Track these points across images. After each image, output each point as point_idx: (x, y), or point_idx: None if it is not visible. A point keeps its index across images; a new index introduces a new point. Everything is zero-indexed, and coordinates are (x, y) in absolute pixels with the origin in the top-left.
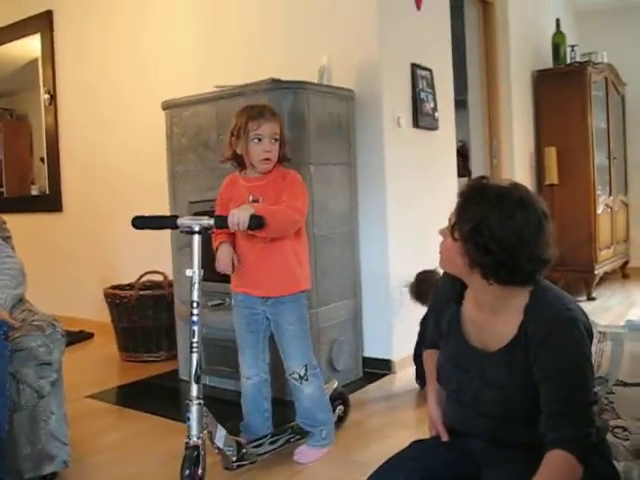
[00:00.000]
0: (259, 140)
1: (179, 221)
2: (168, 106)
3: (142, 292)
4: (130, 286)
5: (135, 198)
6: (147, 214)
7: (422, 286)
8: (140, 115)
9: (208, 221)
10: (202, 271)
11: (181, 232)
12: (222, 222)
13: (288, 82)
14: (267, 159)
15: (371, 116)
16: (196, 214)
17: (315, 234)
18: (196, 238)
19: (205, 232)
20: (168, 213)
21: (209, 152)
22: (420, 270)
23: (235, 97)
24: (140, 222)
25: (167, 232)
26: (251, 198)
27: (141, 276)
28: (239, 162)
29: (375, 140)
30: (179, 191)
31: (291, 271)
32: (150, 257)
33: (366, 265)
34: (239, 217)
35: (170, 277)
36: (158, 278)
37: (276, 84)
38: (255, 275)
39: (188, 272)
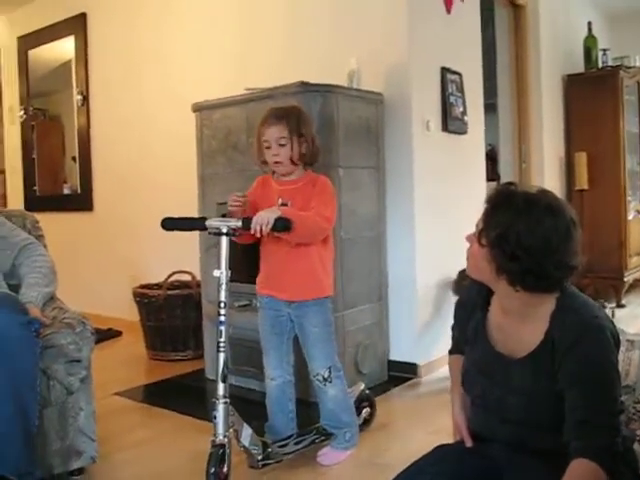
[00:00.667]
0: (267, 147)
1: (208, 222)
2: (198, 108)
3: (170, 292)
4: (158, 286)
5: (163, 199)
6: (176, 216)
7: (464, 282)
8: (169, 117)
9: (236, 223)
10: (229, 272)
11: (209, 234)
12: (249, 224)
13: (317, 85)
14: (277, 162)
15: (400, 120)
16: (224, 216)
17: (342, 237)
18: (224, 239)
19: (233, 234)
20: (196, 215)
21: (238, 154)
22: (463, 268)
23: (265, 100)
24: (170, 223)
25: (195, 233)
26: (280, 201)
27: (169, 276)
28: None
29: (404, 144)
30: (208, 193)
31: (316, 277)
32: (178, 257)
33: (393, 269)
34: (264, 218)
35: (198, 277)
36: (186, 278)
37: (305, 87)
38: (280, 278)
39: (216, 273)
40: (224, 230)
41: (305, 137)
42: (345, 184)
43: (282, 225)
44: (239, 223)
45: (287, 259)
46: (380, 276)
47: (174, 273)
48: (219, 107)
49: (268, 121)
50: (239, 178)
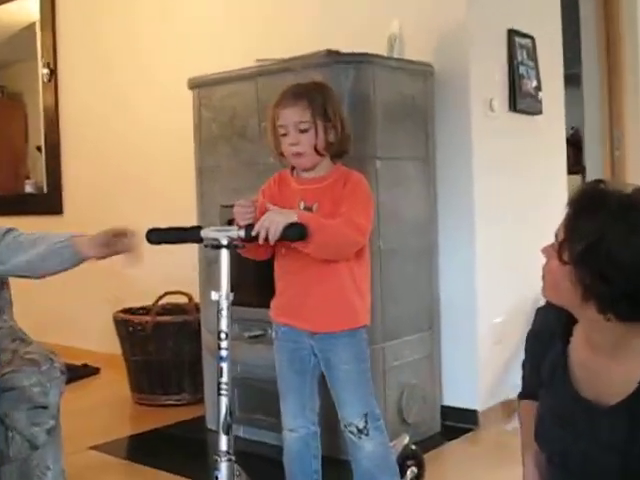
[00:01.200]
0: (284, 134)
1: (203, 233)
2: (196, 84)
3: (161, 318)
4: (146, 310)
5: (152, 201)
6: (167, 224)
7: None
8: (159, 97)
9: (238, 232)
10: (232, 294)
11: (206, 247)
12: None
13: (348, 55)
14: (297, 154)
15: (455, 98)
16: (230, 222)
17: (381, 248)
18: (224, 253)
19: (235, 246)
20: (194, 220)
21: (247, 143)
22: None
23: (280, 74)
24: (156, 236)
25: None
26: (302, 205)
27: (160, 297)
28: None
29: (460, 128)
30: (208, 192)
31: (348, 302)
32: (172, 273)
33: (447, 288)
34: (272, 222)
35: (197, 299)
36: (182, 300)
37: (333, 58)
38: (301, 304)
39: (214, 295)
40: (224, 242)
41: (332, 120)
42: (384, 180)
43: (294, 232)
44: (242, 232)
45: (310, 280)
46: (430, 298)
47: (166, 294)
48: (222, 83)
49: (284, 101)
50: (248, 173)
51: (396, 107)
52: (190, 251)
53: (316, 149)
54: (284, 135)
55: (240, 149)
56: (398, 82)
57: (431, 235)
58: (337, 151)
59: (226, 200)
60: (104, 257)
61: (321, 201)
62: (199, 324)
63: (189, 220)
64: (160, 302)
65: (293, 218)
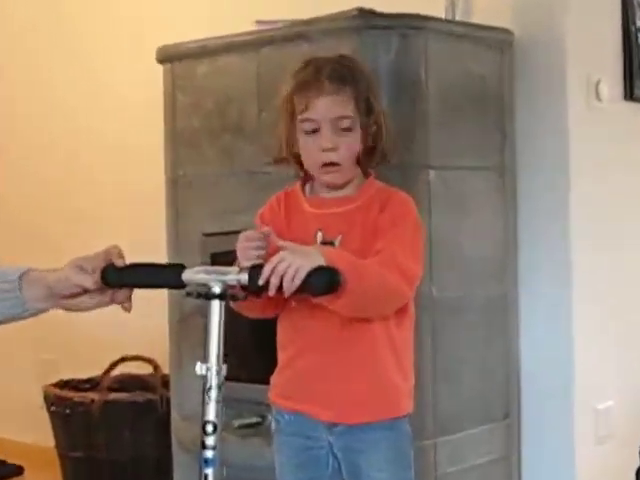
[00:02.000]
0: (313, 131)
1: (186, 275)
2: (169, 56)
3: (114, 395)
4: (92, 383)
5: (109, 221)
6: (127, 261)
7: None
8: (119, 76)
9: (239, 276)
10: (225, 367)
11: (188, 295)
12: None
13: (390, 17)
14: (332, 164)
15: (545, 80)
16: (215, 261)
17: (434, 297)
18: (215, 307)
19: (233, 296)
20: (162, 252)
21: (243, 142)
22: None
23: (292, 43)
24: (115, 276)
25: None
26: (320, 238)
27: (113, 365)
28: (300, 165)
29: (552, 124)
30: (185, 214)
31: (385, 379)
32: (130, 329)
33: (530, 360)
34: (289, 265)
35: (165, 369)
36: (144, 370)
37: (367, 20)
38: (317, 381)
39: (199, 369)
40: (216, 290)
41: (375, 116)
42: (440, 199)
43: (322, 282)
44: (244, 276)
45: (330, 344)
46: (506, 373)
47: (122, 360)
48: (208, 55)
49: (318, 83)
50: (245, 186)
51: (458, 93)
52: (157, 298)
53: (358, 158)
54: (313, 132)
55: (233, 151)
56: (462, 57)
57: (508, 281)
58: (379, 160)
59: (211, 225)
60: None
61: (347, 233)
62: (168, 405)
63: (155, 255)
64: (113, 372)
65: (319, 260)
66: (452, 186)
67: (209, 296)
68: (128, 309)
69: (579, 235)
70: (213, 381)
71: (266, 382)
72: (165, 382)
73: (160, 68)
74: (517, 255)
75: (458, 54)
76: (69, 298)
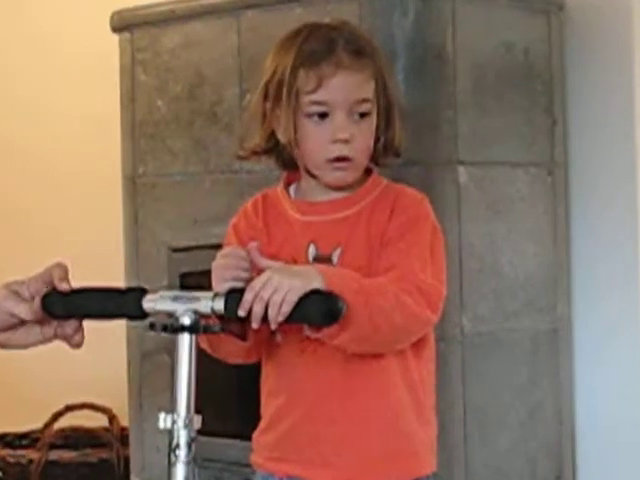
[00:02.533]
0: (322, 116)
1: (147, 302)
2: (126, 24)
3: (58, 453)
4: (30, 438)
5: (51, 230)
6: (73, 285)
7: None
8: (70, 47)
9: (212, 303)
10: (198, 419)
11: (151, 328)
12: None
13: None
14: (344, 159)
15: (605, 52)
16: (185, 284)
17: (465, 330)
18: (185, 342)
19: (206, 329)
20: (118, 272)
21: (219, 132)
22: None
23: (281, 6)
24: (61, 305)
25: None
26: (313, 252)
27: (56, 415)
28: (284, 160)
29: (615, 108)
30: (146, 224)
31: (400, 430)
32: (78, 369)
33: (588, 408)
34: (277, 288)
35: (124, 421)
36: (96, 421)
37: None
38: (316, 439)
39: (163, 421)
40: (185, 320)
41: (390, 100)
42: (473, 203)
43: (322, 310)
44: (219, 303)
45: (330, 389)
46: (558, 426)
47: (67, 410)
48: (175, 21)
49: (334, 57)
50: (223, 189)
51: (495, 70)
52: (114, 330)
53: (375, 149)
54: (321, 117)
55: (207, 143)
56: (499, 24)
57: (559, 308)
58: (387, 153)
59: (179, 238)
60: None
61: (347, 245)
62: (127, 466)
63: (108, 274)
64: (56, 425)
65: (316, 282)
66: (487, 187)
67: (176, 329)
68: (78, 344)
69: None
70: (181, 436)
71: (250, 438)
72: (123, 437)
73: (116, 38)
74: (570, 275)
75: (494, 20)
76: (1, 332)
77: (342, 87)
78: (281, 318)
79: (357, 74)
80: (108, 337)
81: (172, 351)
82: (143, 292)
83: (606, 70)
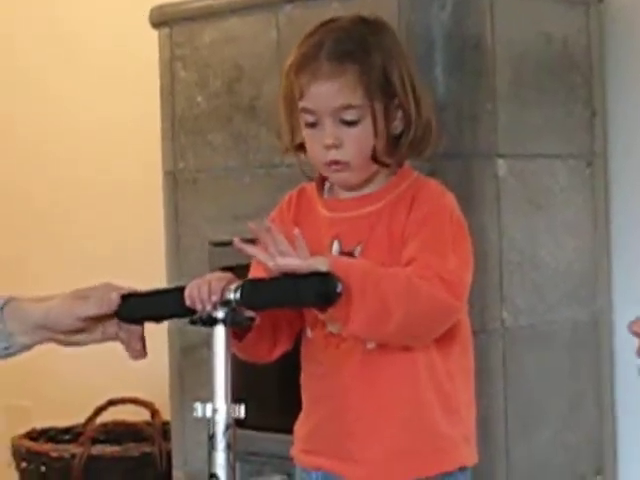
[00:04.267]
0: (312, 124)
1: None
2: (165, 20)
3: (100, 448)
4: (74, 433)
5: (88, 227)
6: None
7: None
8: (108, 42)
9: (234, 294)
10: (240, 408)
11: (192, 324)
12: (255, 293)
13: None
14: (336, 162)
15: None
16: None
17: (506, 323)
18: (220, 333)
19: (235, 322)
20: (160, 265)
21: (259, 127)
22: None
23: (318, 0)
24: (132, 309)
25: None
26: (337, 247)
27: (99, 410)
28: None
29: None
30: (187, 218)
31: (424, 424)
32: (120, 365)
33: (629, 401)
34: (283, 266)
35: (166, 415)
36: (138, 416)
37: None
38: (342, 433)
39: (199, 410)
40: (219, 314)
41: (400, 95)
42: (512, 197)
43: (318, 292)
44: (238, 294)
45: (354, 384)
46: (599, 419)
47: (109, 404)
48: (214, 17)
49: (315, 63)
50: (263, 183)
51: (534, 61)
52: (155, 328)
53: (375, 155)
54: (311, 126)
55: (247, 138)
56: (538, 15)
57: (600, 300)
58: (409, 151)
59: (220, 232)
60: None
61: (368, 241)
62: (169, 460)
63: (149, 271)
64: (99, 419)
65: (320, 265)
66: (527, 179)
67: (211, 321)
68: (138, 354)
69: None
70: (218, 424)
71: (289, 432)
72: (165, 431)
73: (155, 34)
74: (611, 267)
75: (532, 12)
76: (66, 334)
77: (321, 95)
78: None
79: (335, 82)
80: (149, 331)
81: (210, 344)
82: (179, 290)
83: None
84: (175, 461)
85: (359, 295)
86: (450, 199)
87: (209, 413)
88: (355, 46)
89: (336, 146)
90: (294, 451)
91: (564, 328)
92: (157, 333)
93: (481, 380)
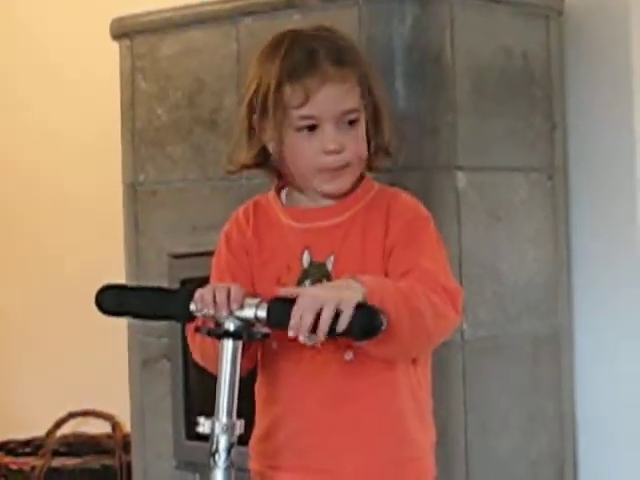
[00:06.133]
0: (311, 128)
1: (193, 304)
2: (126, 31)
3: (60, 461)
4: (33, 445)
5: (52, 237)
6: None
7: None
8: (70, 54)
9: (256, 310)
10: (241, 423)
11: (197, 332)
12: (285, 313)
13: None
14: (342, 167)
15: (604, 56)
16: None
17: (465, 335)
18: (229, 347)
19: (250, 337)
20: (120, 276)
21: (219, 139)
22: None
23: (280, 12)
24: (116, 300)
25: (105, 319)
26: (307, 258)
27: (60, 421)
28: (277, 172)
29: (614, 112)
30: (147, 229)
31: (404, 434)
32: (81, 376)
33: (590, 414)
34: (325, 301)
35: (126, 427)
36: (98, 428)
37: None
38: (317, 444)
39: (203, 425)
40: (230, 327)
41: (377, 103)
42: (473, 210)
43: (364, 328)
44: (262, 312)
45: (331, 394)
46: (560, 432)
47: (69, 417)
48: (174, 29)
49: (318, 68)
50: (223, 195)
51: (493, 74)
52: (115, 336)
53: (369, 158)
54: (310, 130)
55: (206, 150)
56: (497, 29)
57: (560, 312)
58: (379, 155)
59: (180, 244)
60: None
61: (340, 251)
62: (129, 473)
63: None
64: (59, 431)
65: (358, 294)
66: (487, 192)
67: (221, 334)
68: None
69: None
70: (221, 442)
71: (246, 443)
72: (126, 444)
73: (116, 46)
74: (571, 279)
75: (493, 25)
76: None
77: (329, 100)
78: (340, 329)
79: (342, 85)
80: (109, 343)
81: (172, 357)
82: (191, 294)
83: (605, 74)
84: (135, 474)
85: (394, 323)
86: (425, 208)
87: (217, 430)
88: (347, 50)
89: (338, 151)
90: (256, 466)
91: (525, 341)
92: (117, 345)
93: (441, 392)
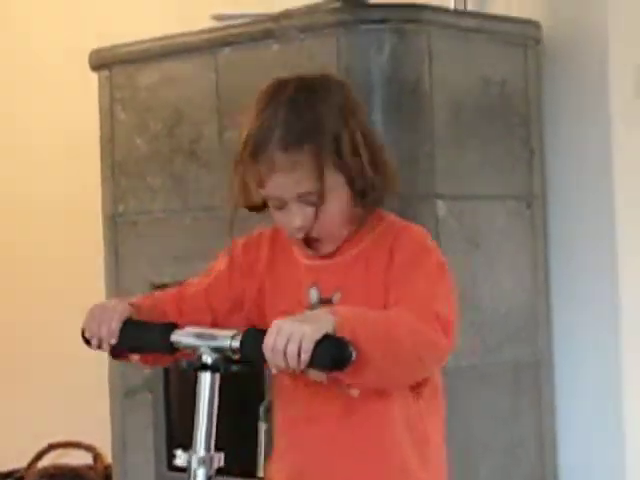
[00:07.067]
0: (278, 207)
1: (174, 336)
2: (105, 62)
3: None
4: (15, 477)
5: (34, 270)
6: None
7: None
8: (48, 86)
9: (231, 342)
10: (220, 457)
11: (187, 368)
12: (257, 345)
13: (382, 7)
14: (311, 239)
15: (582, 84)
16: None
17: (445, 366)
18: (206, 380)
19: (226, 370)
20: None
21: (199, 169)
22: None
23: (258, 43)
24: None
25: (87, 351)
26: (315, 295)
27: (41, 453)
28: None
29: (592, 140)
30: (128, 259)
31: (398, 467)
32: (62, 408)
33: (570, 444)
34: (290, 336)
35: (107, 458)
36: (79, 459)
37: (354, 12)
38: (329, 474)
39: (180, 457)
40: (207, 360)
41: (360, 153)
42: (452, 238)
43: (334, 358)
44: (236, 343)
45: (336, 433)
46: (540, 462)
47: (50, 448)
48: (153, 59)
49: (267, 156)
50: (203, 225)
51: (472, 103)
52: (96, 367)
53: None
54: (278, 209)
55: (187, 181)
56: (475, 57)
57: (540, 341)
58: (373, 199)
59: (162, 274)
60: None
61: (345, 288)
62: None
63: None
64: (40, 463)
65: (327, 326)
66: (466, 220)
67: (198, 367)
68: None
69: (631, 280)
70: (198, 476)
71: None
72: (107, 475)
73: (94, 77)
74: (550, 307)
75: (470, 54)
76: None
77: (280, 187)
78: (303, 366)
79: (292, 173)
80: (91, 374)
81: (154, 389)
82: (174, 327)
83: (582, 102)
84: None
85: (364, 355)
86: (431, 241)
87: (194, 464)
88: (305, 125)
89: (305, 227)
90: None
91: (505, 369)
92: (99, 377)
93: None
